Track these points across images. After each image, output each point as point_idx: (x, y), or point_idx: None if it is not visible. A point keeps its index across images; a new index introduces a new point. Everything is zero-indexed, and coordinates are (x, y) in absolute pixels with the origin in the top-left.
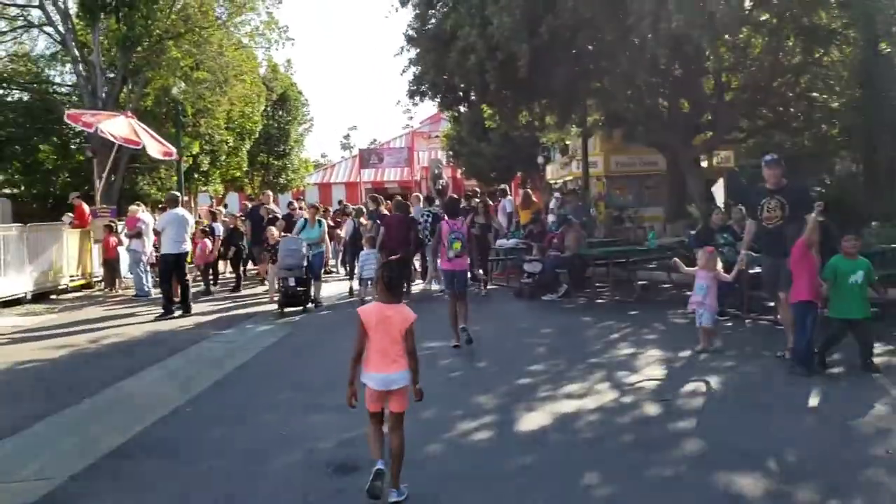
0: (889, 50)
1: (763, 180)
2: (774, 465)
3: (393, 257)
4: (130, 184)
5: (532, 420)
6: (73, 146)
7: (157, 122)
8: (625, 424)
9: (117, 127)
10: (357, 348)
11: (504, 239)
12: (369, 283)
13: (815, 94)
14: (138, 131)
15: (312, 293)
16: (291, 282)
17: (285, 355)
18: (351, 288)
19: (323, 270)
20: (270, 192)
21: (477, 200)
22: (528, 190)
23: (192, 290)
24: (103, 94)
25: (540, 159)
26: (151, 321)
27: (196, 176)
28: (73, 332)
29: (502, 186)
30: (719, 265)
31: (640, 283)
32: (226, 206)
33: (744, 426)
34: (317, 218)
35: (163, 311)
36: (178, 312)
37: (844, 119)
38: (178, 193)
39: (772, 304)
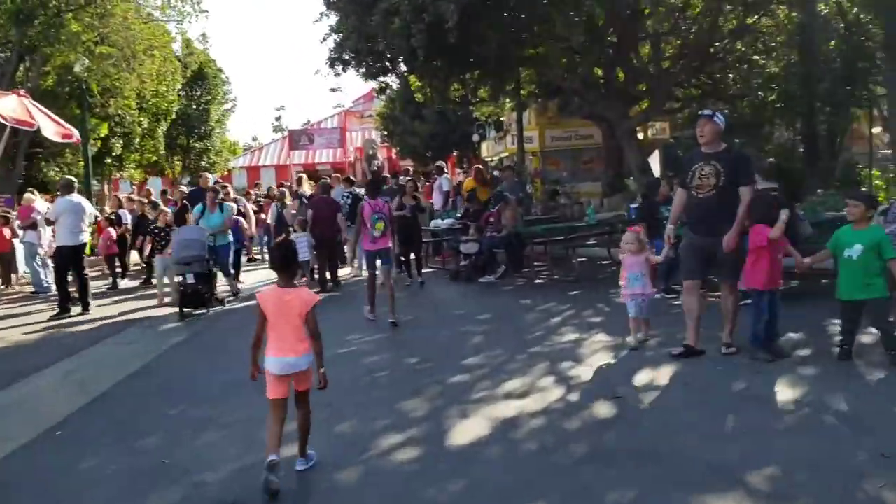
0: (826, 11)
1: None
2: (755, 481)
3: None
4: (33, 171)
5: (467, 430)
6: None
7: (60, 103)
8: (574, 431)
9: (7, 106)
10: (257, 333)
11: (439, 220)
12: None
13: (755, 57)
14: (32, 111)
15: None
16: (190, 278)
17: (187, 359)
18: None
19: (246, 259)
20: (209, 175)
21: (408, 178)
22: (480, 166)
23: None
24: None
25: (475, 137)
26: (45, 321)
27: (108, 161)
28: None
29: (439, 163)
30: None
31: (578, 260)
32: (165, 192)
33: (710, 430)
34: (218, 202)
35: (58, 309)
36: (76, 310)
37: (783, 84)
38: (73, 178)
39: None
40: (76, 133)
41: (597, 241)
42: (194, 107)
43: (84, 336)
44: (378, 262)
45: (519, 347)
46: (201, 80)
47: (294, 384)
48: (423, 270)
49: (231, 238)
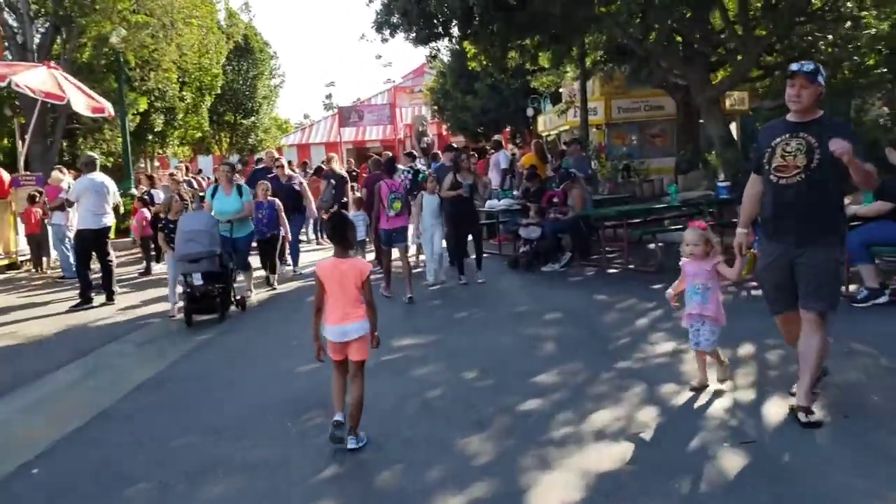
0: None
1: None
2: None
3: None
4: (70, 147)
5: (552, 490)
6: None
7: (97, 77)
8: (705, 496)
9: (36, 79)
10: (316, 303)
11: (495, 199)
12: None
13: (862, 13)
14: (62, 84)
15: (242, 290)
16: (196, 278)
17: (207, 368)
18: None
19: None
20: (275, 152)
21: (461, 155)
22: (539, 140)
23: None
24: (34, 47)
25: (530, 111)
26: (65, 312)
27: (150, 137)
28: None
29: (496, 137)
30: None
31: (659, 245)
32: (200, 172)
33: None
34: (234, 182)
35: (80, 299)
36: (100, 299)
37: (891, 45)
38: (95, 155)
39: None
40: (109, 107)
41: (681, 224)
42: (241, 82)
43: (99, 332)
44: (394, 238)
45: (602, 361)
46: (248, 53)
47: (349, 354)
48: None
49: (251, 228)
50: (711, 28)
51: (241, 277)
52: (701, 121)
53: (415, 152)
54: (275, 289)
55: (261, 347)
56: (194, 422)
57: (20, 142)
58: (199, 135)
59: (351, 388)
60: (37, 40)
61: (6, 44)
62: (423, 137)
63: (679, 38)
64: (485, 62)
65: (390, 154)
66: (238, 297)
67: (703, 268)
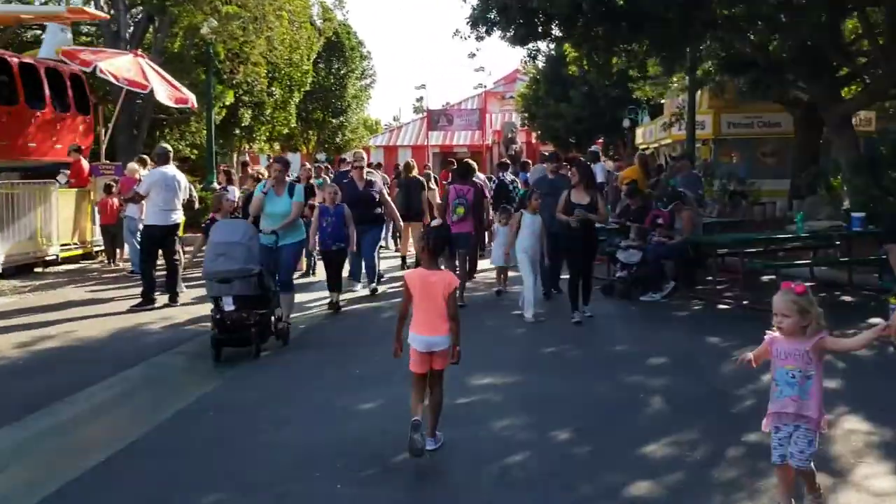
0: None
1: None
2: None
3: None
4: (156, 139)
5: None
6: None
7: (187, 67)
8: None
9: (121, 67)
10: (402, 311)
11: None
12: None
13: None
14: (147, 72)
15: (279, 316)
16: (228, 303)
17: (252, 398)
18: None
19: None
20: (363, 151)
21: (567, 166)
22: (643, 151)
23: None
24: (127, 36)
25: (626, 122)
26: (124, 312)
27: (237, 132)
28: (14, 324)
29: (593, 148)
30: None
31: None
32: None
33: None
34: (288, 179)
35: (141, 299)
36: (164, 300)
37: None
38: (169, 146)
39: None
40: (192, 98)
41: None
42: (331, 80)
43: (155, 338)
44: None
45: (725, 430)
46: (339, 51)
47: (431, 362)
48: (563, 277)
49: (301, 236)
50: (839, 40)
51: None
52: (822, 141)
53: (507, 161)
54: (339, 309)
55: (319, 376)
56: (227, 470)
57: (103, 130)
58: (287, 131)
59: (431, 391)
60: (130, 29)
61: (100, 32)
62: (512, 145)
63: (809, 46)
64: (586, 67)
65: (467, 160)
66: (279, 326)
67: (801, 348)
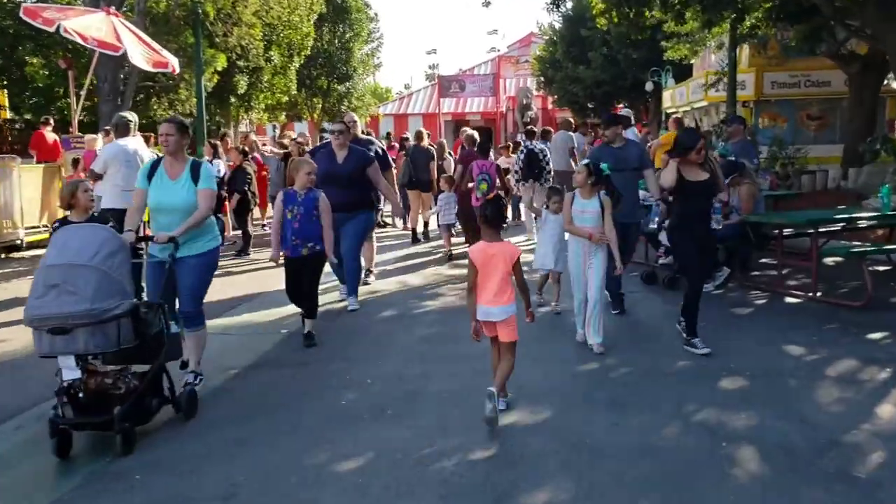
0: None
1: None
2: None
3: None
4: (143, 107)
5: None
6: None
7: (174, 30)
8: None
9: (90, 26)
10: (469, 284)
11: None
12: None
13: None
14: (121, 33)
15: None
16: (70, 368)
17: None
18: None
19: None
20: (354, 115)
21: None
22: (680, 116)
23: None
24: None
25: (649, 85)
26: None
27: (233, 100)
28: None
29: (625, 111)
30: None
31: (868, 270)
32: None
33: None
34: (188, 156)
35: None
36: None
37: None
38: (131, 115)
39: None
40: (174, 62)
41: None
42: (336, 44)
43: None
44: None
45: (845, 490)
46: (344, 14)
47: (499, 335)
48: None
49: (216, 242)
50: None
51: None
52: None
53: (534, 129)
54: (314, 344)
55: (272, 459)
56: None
57: (73, 98)
58: (287, 99)
59: (501, 361)
60: None
61: None
62: (527, 111)
63: None
64: (615, 19)
65: (489, 130)
66: (183, 387)
67: None
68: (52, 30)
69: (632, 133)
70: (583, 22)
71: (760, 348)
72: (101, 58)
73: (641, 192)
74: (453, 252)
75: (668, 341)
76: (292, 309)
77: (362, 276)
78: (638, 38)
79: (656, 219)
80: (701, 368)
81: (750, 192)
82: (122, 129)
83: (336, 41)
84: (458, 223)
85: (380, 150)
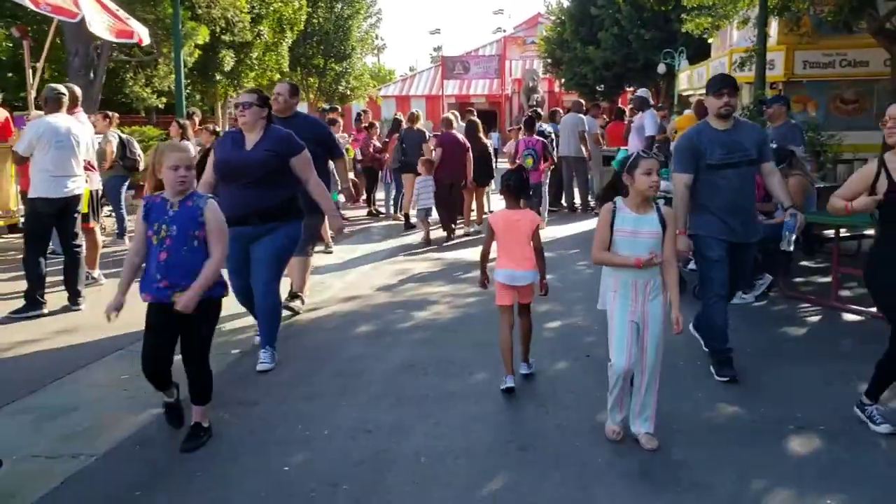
0: None
1: None
2: None
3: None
4: (117, 84)
5: None
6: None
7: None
8: None
9: None
10: (485, 248)
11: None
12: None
13: None
14: None
15: None
16: None
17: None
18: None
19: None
20: (286, 85)
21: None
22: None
23: None
24: None
25: (661, 67)
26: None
27: (218, 78)
28: None
29: (641, 92)
30: None
31: None
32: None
33: None
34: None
35: (25, 301)
36: (64, 303)
37: None
38: (62, 87)
39: None
40: (142, 32)
41: None
42: (334, 20)
43: (46, 365)
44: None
45: None
46: None
47: (517, 296)
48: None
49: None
50: None
51: None
52: None
53: (539, 111)
54: (195, 448)
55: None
56: None
57: (28, 71)
58: (279, 77)
59: (520, 322)
60: None
61: None
62: (534, 94)
63: None
64: None
65: (494, 113)
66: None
67: None
68: None
69: (650, 116)
70: (593, 0)
71: (830, 388)
72: (73, 30)
73: (664, 184)
74: (431, 238)
75: (701, 374)
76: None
77: (284, 309)
78: (661, 8)
79: (792, 236)
80: (756, 420)
81: (801, 186)
82: (53, 104)
83: (333, 17)
84: (434, 210)
85: (326, 135)
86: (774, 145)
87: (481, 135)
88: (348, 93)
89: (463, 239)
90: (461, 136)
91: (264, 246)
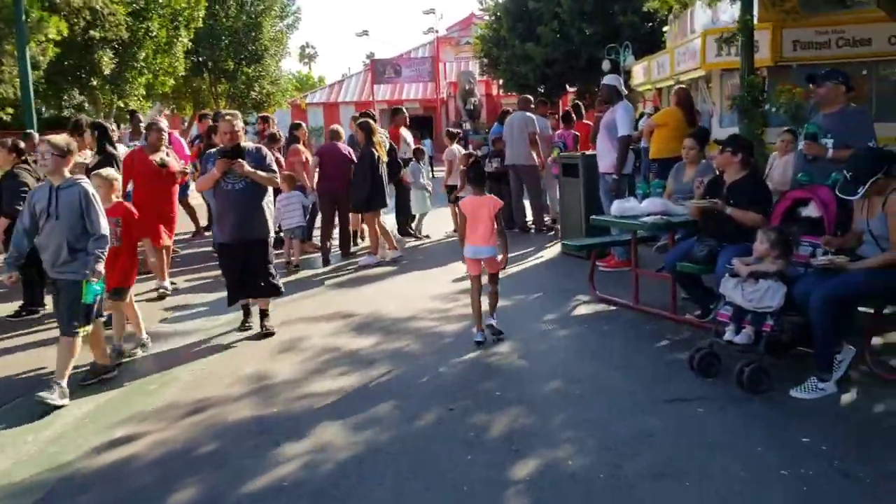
0: None
1: None
2: None
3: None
4: None
5: None
6: None
7: None
8: None
9: None
10: (461, 231)
11: (630, 199)
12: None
13: None
14: None
15: None
16: None
17: None
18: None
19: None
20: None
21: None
22: (685, 86)
23: None
24: None
25: (606, 64)
26: None
27: (95, 82)
28: None
29: (608, 79)
30: None
31: None
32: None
33: None
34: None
35: None
36: None
37: None
38: None
39: None
40: None
41: None
42: (244, 18)
43: None
44: None
45: None
46: None
47: (485, 266)
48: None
49: None
50: None
51: None
52: None
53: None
54: None
55: None
56: None
57: None
58: (171, 82)
59: (489, 286)
60: None
61: None
62: (470, 98)
63: None
64: None
65: (428, 119)
66: None
67: None
68: None
69: (622, 109)
70: None
71: None
72: None
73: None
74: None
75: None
76: None
77: None
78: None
79: None
80: None
81: None
82: None
83: (242, 16)
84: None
85: None
86: (831, 141)
87: (377, 139)
88: (264, 99)
89: (360, 273)
90: (345, 148)
91: None
